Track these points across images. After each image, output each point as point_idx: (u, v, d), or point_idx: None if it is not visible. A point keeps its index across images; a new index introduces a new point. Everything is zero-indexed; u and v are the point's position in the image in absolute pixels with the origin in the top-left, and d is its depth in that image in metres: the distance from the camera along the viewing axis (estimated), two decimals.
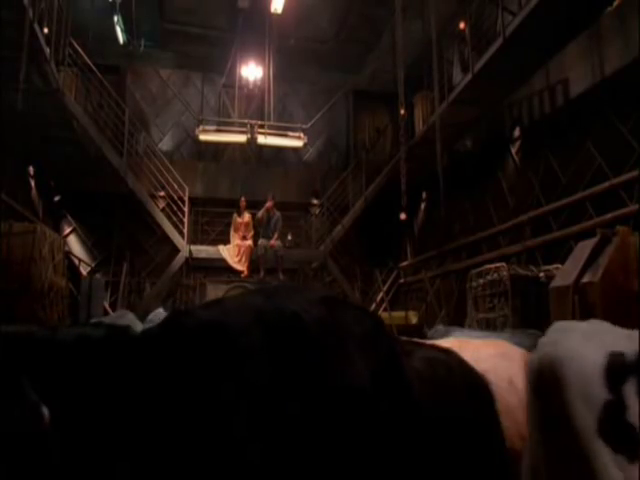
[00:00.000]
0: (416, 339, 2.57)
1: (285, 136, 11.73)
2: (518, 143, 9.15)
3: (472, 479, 1.70)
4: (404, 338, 2.32)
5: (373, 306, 12.67)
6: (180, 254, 11.27)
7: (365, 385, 1.41)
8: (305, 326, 1.39)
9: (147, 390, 1.32)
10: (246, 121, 11.69)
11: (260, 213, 11.03)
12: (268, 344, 1.35)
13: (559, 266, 6.30)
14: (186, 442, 1.25)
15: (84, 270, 11.64)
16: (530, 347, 2.53)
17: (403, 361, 1.62)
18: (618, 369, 1.45)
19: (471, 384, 1.89)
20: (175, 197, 11.57)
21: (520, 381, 2.09)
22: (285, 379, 1.33)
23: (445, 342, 2.55)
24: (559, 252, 7.36)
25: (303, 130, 11.76)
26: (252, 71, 12.30)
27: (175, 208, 11.54)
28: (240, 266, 11.20)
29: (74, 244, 12.05)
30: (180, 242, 11.31)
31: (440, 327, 3.60)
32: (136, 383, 1.34)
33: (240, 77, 12.47)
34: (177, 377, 1.31)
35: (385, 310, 12.40)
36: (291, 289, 1.77)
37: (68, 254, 10.20)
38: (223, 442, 1.25)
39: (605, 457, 1.36)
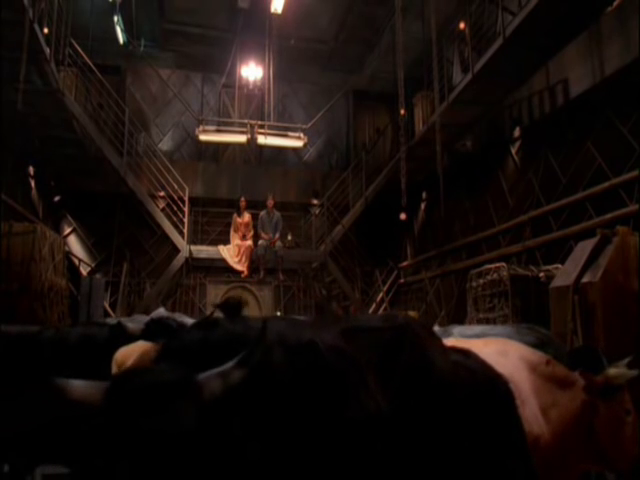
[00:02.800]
0: None
1: (285, 136, 11.73)
2: (518, 143, 9.15)
3: (497, 478, 1.73)
4: None
5: (373, 306, 12.68)
6: (180, 254, 11.28)
7: (378, 414, 1.45)
8: (320, 352, 1.47)
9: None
10: (246, 121, 11.70)
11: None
12: (287, 365, 1.43)
13: (559, 266, 6.30)
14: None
15: (84, 270, 11.64)
16: (530, 343, 2.53)
17: (434, 381, 1.65)
18: None
19: (493, 386, 1.90)
20: (175, 197, 11.57)
21: (520, 378, 2.09)
22: (298, 404, 1.38)
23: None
24: (559, 252, 7.37)
25: (303, 130, 11.76)
26: (252, 71, 12.30)
27: (175, 208, 11.55)
28: (240, 266, 11.21)
29: (74, 244, 12.04)
30: (180, 242, 11.31)
31: (436, 328, 3.56)
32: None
33: (240, 77, 12.46)
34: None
35: (385, 310, 12.40)
36: (314, 321, 1.87)
37: (68, 254, 10.20)
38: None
39: None
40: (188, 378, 1.29)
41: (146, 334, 2.80)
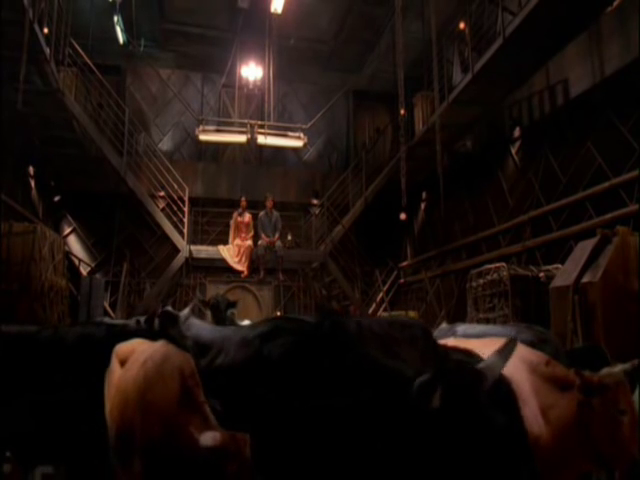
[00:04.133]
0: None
1: (285, 136, 11.72)
2: (518, 143, 9.14)
3: (499, 474, 1.74)
4: None
5: (373, 306, 12.68)
6: (180, 254, 11.27)
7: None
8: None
9: None
10: (246, 121, 11.69)
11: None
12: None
13: (559, 266, 6.30)
14: None
15: (84, 270, 11.64)
16: (528, 341, 2.53)
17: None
18: None
19: (495, 387, 1.90)
20: (175, 197, 11.56)
21: (520, 379, 2.09)
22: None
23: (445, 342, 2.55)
24: (559, 252, 7.37)
25: (303, 130, 11.75)
26: (252, 71, 12.29)
27: (175, 208, 11.54)
28: (240, 266, 11.20)
29: (74, 244, 12.04)
30: (180, 242, 11.30)
31: (444, 325, 3.58)
32: None
33: (240, 77, 12.45)
34: None
35: (385, 310, 12.41)
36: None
37: (68, 254, 10.20)
38: None
39: None
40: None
41: (162, 327, 2.83)
